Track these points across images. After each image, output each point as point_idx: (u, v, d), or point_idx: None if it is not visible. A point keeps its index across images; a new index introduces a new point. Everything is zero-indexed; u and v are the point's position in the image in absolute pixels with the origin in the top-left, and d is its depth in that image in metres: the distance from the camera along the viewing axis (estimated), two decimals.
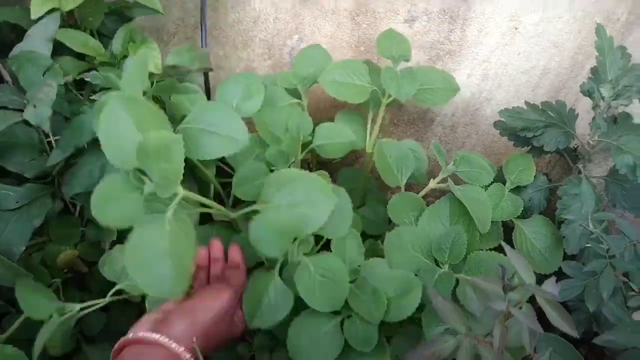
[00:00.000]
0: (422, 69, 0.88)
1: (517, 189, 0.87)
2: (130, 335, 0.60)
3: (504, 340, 0.39)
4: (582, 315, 0.76)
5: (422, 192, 0.85)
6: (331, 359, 0.70)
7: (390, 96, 0.84)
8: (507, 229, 0.86)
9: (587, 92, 0.72)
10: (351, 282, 0.73)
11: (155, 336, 0.59)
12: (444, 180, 0.83)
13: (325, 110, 1.03)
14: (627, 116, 0.78)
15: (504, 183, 0.86)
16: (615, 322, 0.59)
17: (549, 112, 0.77)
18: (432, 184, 0.84)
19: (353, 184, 0.94)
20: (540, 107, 0.79)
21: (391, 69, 0.82)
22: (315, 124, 0.85)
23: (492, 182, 0.86)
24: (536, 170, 0.87)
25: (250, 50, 0.99)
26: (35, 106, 0.68)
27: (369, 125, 0.90)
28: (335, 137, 0.85)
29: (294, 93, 0.89)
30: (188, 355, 0.58)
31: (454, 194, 0.80)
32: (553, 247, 0.81)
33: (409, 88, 0.80)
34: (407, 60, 0.85)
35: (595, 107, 0.71)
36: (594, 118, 0.72)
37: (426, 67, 0.90)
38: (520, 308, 0.39)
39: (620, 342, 0.47)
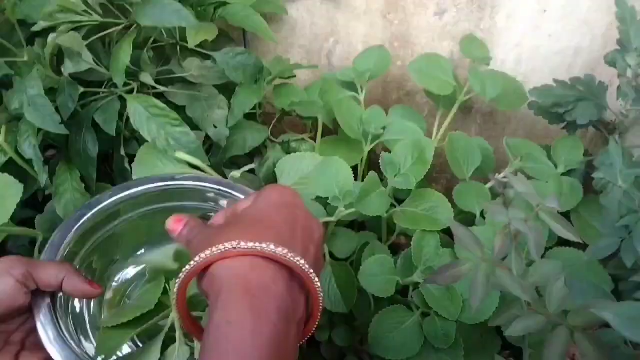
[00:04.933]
0: (499, 73, 0.92)
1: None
2: (222, 247, 0.40)
3: (503, 250, 0.42)
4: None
5: (489, 185, 0.87)
6: (412, 354, 0.72)
7: (468, 93, 0.91)
8: None
9: (611, 62, 0.73)
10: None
11: (271, 247, 0.40)
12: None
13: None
14: None
15: (555, 167, 0.86)
16: None
17: (578, 87, 0.79)
18: (499, 177, 0.86)
19: None
20: (569, 83, 0.80)
21: (477, 69, 0.88)
22: None
23: None
24: None
25: (290, 57, 1.06)
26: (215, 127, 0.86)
27: (436, 122, 0.96)
28: (406, 133, 0.89)
29: (351, 87, 0.95)
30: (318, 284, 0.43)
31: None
32: None
33: (493, 89, 0.86)
34: (487, 64, 0.91)
35: (620, 76, 0.73)
36: (618, 87, 0.74)
37: (501, 73, 0.93)
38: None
39: None
